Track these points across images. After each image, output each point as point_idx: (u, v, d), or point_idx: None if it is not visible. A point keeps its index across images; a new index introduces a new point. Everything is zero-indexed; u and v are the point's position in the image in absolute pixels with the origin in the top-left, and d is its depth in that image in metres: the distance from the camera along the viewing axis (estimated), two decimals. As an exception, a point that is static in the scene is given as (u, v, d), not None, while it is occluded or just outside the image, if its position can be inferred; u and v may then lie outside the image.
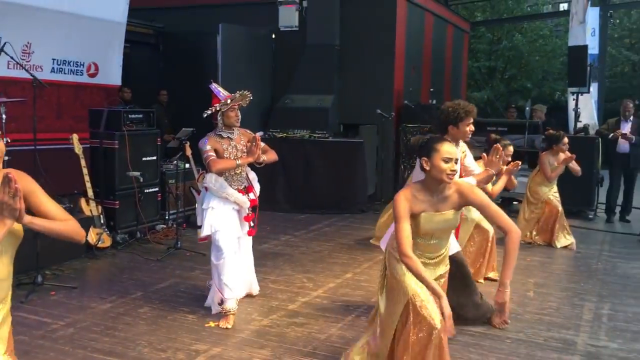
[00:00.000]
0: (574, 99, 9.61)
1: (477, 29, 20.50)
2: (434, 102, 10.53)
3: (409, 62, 10.39)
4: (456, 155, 2.95)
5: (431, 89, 11.19)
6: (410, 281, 2.97)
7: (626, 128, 8.49)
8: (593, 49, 11.67)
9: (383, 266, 3.21)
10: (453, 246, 3.89)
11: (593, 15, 12.61)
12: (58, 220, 2.19)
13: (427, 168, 2.94)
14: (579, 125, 9.36)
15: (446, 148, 2.92)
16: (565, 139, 6.87)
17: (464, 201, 3.00)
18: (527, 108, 9.60)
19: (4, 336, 2.21)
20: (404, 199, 2.90)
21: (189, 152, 6.42)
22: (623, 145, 8.43)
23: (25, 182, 2.16)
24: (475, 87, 22.05)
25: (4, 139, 2.52)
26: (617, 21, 23.08)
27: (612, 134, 8.47)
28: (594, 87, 11.22)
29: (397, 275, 3.04)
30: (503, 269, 2.93)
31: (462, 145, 4.24)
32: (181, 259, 6.01)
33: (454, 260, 3.77)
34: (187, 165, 7.02)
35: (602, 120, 11.53)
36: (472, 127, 4.10)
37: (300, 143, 8.92)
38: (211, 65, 8.77)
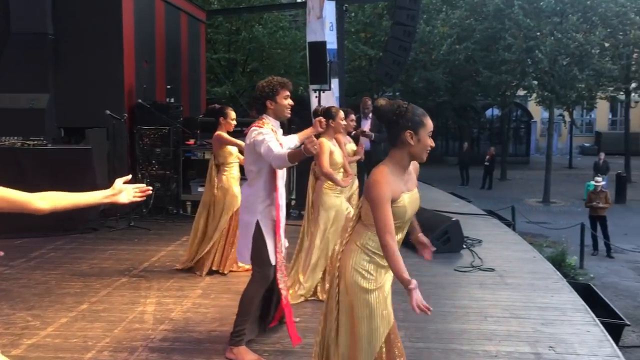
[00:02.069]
0: (316, 97, 10.55)
1: (214, 18, 21.08)
2: (172, 100, 10.62)
3: (141, 56, 10.32)
4: None
5: (168, 86, 11.26)
6: (387, 303, 3.06)
7: (366, 125, 9.62)
8: (332, 43, 12.87)
9: (334, 279, 3.11)
10: None
11: (330, 9, 13.91)
12: None
13: (412, 143, 2.90)
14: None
15: (430, 122, 2.96)
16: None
17: (416, 174, 3.16)
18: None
19: None
20: (385, 183, 2.87)
21: None
22: (365, 143, 9.53)
23: None
24: (215, 81, 22.67)
25: None
26: (353, 14, 25.75)
27: (353, 132, 9.52)
28: (335, 83, 12.41)
29: (365, 287, 2.99)
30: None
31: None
32: None
33: None
34: None
35: (344, 116, 12.79)
36: (290, 101, 4.36)
37: (11, 152, 8.31)
38: None
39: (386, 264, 2.95)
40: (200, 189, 8.95)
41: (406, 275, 2.80)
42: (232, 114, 6.46)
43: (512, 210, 15.58)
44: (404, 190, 2.96)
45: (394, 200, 2.89)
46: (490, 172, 27.34)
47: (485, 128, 38.63)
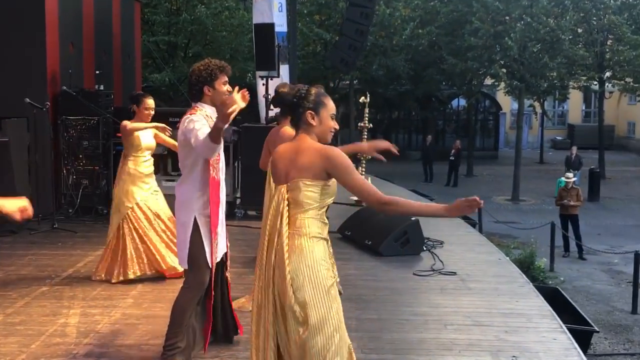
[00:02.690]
0: (263, 84, 10.50)
1: (151, -3, 20.85)
2: (102, 87, 10.45)
3: (66, 38, 10.12)
4: None
5: (97, 71, 11.07)
6: (339, 313, 3.11)
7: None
8: (281, 26, 12.84)
9: (272, 292, 3.10)
10: None
11: (280, -12, 13.87)
12: None
13: (314, 123, 3.19)
14: (271, 114, 10.25)
15: (332, 103, 3.26)
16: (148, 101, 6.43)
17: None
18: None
19: None
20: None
21: None
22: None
23: None
24: (153, 67, 22.42)
25: None
26: (306, -6, 25.76)
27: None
28: (284, 70, 12.39)
29: (329, 282, 3.09)
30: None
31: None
32: None
33: None
34: None
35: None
36: (229, 87, 4.31)
37: None
38: None
39: (330, 249, 3.20)
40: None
41: (440, 206, 3.12)
42: (149, 102, 6.34)
43: (477, 209, 15.79)
44: None
45: (326, 179, 3.12)
46: (456, 168, 27.75)
47: (450, 120, 39.15)
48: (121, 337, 4.99)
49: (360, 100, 10.94)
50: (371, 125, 10.77)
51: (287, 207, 3.10)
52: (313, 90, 3.22)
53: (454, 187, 27.02)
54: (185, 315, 4.28)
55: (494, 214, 18.68)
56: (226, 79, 4.36)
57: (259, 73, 11.66)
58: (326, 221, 3.21)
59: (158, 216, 6.44)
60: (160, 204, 6.50)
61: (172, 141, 6.19)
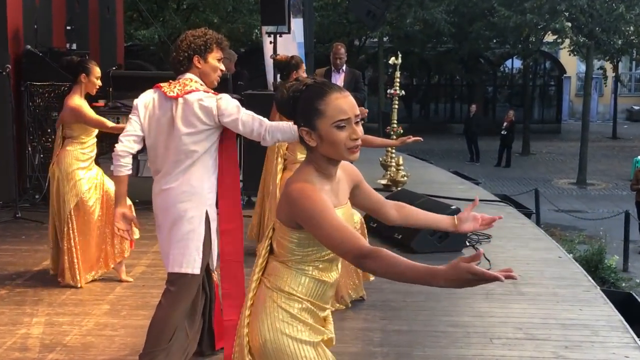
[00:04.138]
0: (270, 42, 10.43)
1: None
2: (74, 46, 10.43)
3: (30, -14, 10.13)
4: (356, 109, 2.73)
5: (69, 27, 11.04)
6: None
7: (338, 80, 9.55)
8: (294, -30, 12.78)
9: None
10: None
11: None
12: None
13: (312, 143, 2.72)
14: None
15: (337, 103, 2.68)
16: None
17: (352, 182, 2.99)
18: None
19: None
20: (314, 191, 2.66)
21: None
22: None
23: None
24: (140, 22, 22.47)
25: None
26: None
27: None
28: (297, 24, 12.33)
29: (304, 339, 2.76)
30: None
31: None
32: None
33: None
34: None
35: (311, 70, 12.74)
36: (223, 67, 4.42)
37: None
38: None
39: (326, 312, 2.85)
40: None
41: (439, 271, 2.39)
42: (97, 71, 6.35)
43: (535, 195, 15.73)
44: (335, 204, 2.76)
45: None
46: (509, 145, 27.53)
47: (502, 86, 38.91)
48: (94, 352, 4.99)
49: (391, 62, 10.87)
50: (403, 92, 10.71)
51: (264, 251, 2.84)
52: (306, 91, 2.73)
53: (506, 167, 26.84)
54: (166, 332, 4.27)
55: (555, 200, 18.56)
56: (221, 56, 4.42)
57: (265, 28, 11.58)
58: (333, 276, 2.85)
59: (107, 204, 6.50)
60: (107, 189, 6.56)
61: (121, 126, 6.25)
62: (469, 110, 30.38)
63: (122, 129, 4.42)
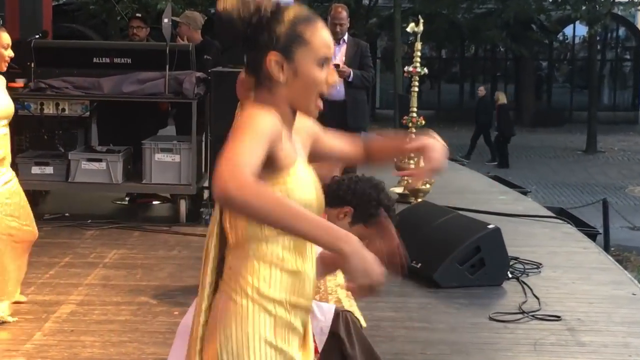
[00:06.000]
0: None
1: None
2: None
3: None
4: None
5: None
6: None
7: (338, 55, 9.50)
8: None
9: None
10: None
11: None
12: None
13: (281, 78, 2.72)
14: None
15: (323, 35, 2.76)
16: None
17: (309, 137, 3.01)
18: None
19: None
20: (273, 117, 2.65)
21: None
22: (336, 87, 9.44)
23: None
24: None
25: None
26: None
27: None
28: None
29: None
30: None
31: None
32: None
33: None
34: None
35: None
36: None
37: None
38: None
39: (297, 324, 2.81)
40: (36, 170, 8.82)
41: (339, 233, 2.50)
42: (4, 38, 6.31)
43: (603, 208, 15.68)
44: (295, 158, 2.77)
45: (282, 168, 2.70)
46: (506, 138, 26.87)
47: (560, 61, 38.92)
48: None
49: (409, 30, 10.80)
50: (426, 70, 10.63)
51: (216, 240, 2.83)
52: (289, 11, 2.73)
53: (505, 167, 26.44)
54: None
55: (629, 215, 18.55)
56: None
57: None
58: (293, 264, 2.81)
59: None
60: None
61: None
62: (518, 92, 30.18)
63: None
